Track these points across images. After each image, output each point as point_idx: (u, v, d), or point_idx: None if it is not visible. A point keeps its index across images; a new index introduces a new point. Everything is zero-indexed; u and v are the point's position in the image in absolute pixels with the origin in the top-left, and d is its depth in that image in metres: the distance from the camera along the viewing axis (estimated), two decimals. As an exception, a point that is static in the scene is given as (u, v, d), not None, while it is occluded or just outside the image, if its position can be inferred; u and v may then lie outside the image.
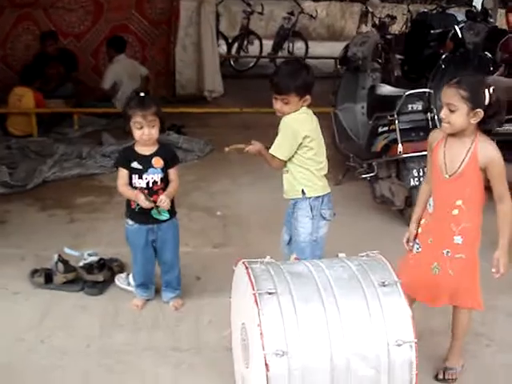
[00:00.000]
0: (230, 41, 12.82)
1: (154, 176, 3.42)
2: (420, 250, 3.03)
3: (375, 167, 4.92)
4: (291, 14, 13.24)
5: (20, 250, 4.31)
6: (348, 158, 5.66)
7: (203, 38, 9.25)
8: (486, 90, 2.74)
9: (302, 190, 3.32)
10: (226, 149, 3.39)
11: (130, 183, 3.43)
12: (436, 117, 4.61)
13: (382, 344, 2.39)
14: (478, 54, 6.57)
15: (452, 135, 2.85)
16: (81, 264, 3.91)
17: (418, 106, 4.75)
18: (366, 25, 12.82)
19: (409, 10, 13.25)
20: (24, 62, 8.19)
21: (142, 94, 3.45)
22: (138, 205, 3.41)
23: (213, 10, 9.61)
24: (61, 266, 3.85)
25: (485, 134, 5.15)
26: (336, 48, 11.86)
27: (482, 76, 3.03)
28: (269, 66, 12.29)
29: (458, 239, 2.89)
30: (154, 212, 3.45)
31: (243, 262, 2.60)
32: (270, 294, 2.39)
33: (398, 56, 9.27)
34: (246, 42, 12.95)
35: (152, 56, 9.34)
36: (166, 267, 3.66)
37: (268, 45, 13.10)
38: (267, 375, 2.27)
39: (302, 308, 2.39)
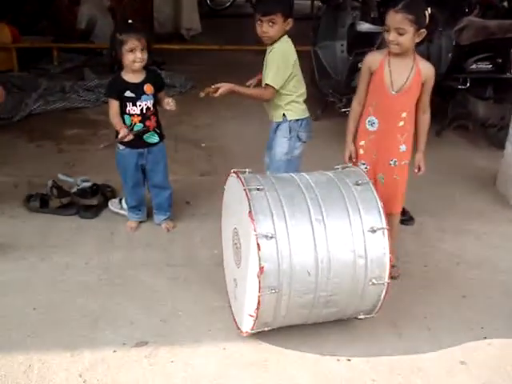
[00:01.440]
0: (206, -20, 12.71)
1: (146, 102, 3.57)
2: (368, 167, 3.30)
3: (354, 101, 5.10)
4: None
5: (12, 178, 4.46)
6: (327, 95, 5.85)
7: (182, -25, 9.24)
8: (426, 12, 3.03)
9: (283, 114, 3.50)
10: (202, 94, 3.45)
11: (124, 111, 3.56)
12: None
13: (358, 231, 2.68)
14: (454, -5, 6.69)
15: (395, 55, 3.12)
16: (74, 190, 4.07)
17: (397, 41, 4.92)
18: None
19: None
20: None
21: (130, 21, 3.56)
22: (130, 130, 3.54)
23: None
24: (55, 191, 4.01)
25: (458, 73, 5.37)
26: (313, -11, 11.86)
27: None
28: (245, 6, 12.23)
29: (403, 148, 3.25)
30: (145, 136, 3.62)
31: (234, 171, 2.85)
32: (258, 190, 2.67)
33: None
34: (222, -19, 12.84)
35: (130, -7, 9.28)
36: (157, 190, 3.84)
37: (245, -15, 13.00)
38: (259, 254, 2.52)
39: (287, 201, 2.67)
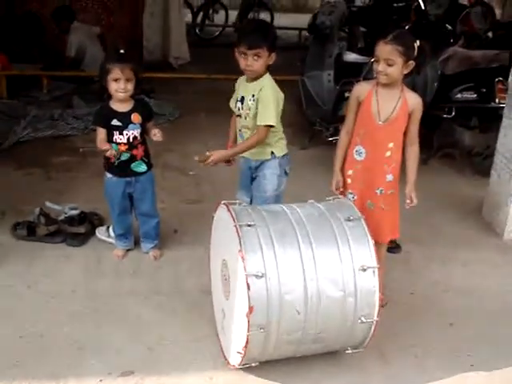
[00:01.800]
0: (195, 9, 12.86)
1: (133, 131, 3.58)
2: (356, 197, 3.32)
3: (341, 130, 5.16)
4: (257, -16, 13.28)
5: (0, 205, 4.42)
6: (314, 124, 5.91)
7: (171, 4, 9.34)
8: (415, 44, 3.08)
9: (272, 152, 3.45)
10: (196, 158, 3.42)
11: (111, 140, 3.57)
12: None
13: (348, 269, 2.67)
14: (439, 26, 6.82)
15: (383, 86, 3.16)
16: (62, 217, 4.06)
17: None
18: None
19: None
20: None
21: (122, 51, 3.58)
22: (117, 159, 3.58)
23: (180, -22, 9.68)
24: (43, 219, 4.00)
25: (443, 102, 5.45)
26: (300, 19, 12.04)
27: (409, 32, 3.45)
28: (234, 36, 12.32)
29: (389, 177, 3.26)
30: (133, 165, 3.64)
31: (224, 203, 2.84)
32: (249, 226, 2.65)
33: (362, 28, 9.47)
34: (211, 11, 13.00)
35: (119, 22, 9.35)
36: (145, 218, 3.84)
37: (234, 14, 13.17)
38: (248, 294, 2.51)
39: (278, 238, 2.65)
